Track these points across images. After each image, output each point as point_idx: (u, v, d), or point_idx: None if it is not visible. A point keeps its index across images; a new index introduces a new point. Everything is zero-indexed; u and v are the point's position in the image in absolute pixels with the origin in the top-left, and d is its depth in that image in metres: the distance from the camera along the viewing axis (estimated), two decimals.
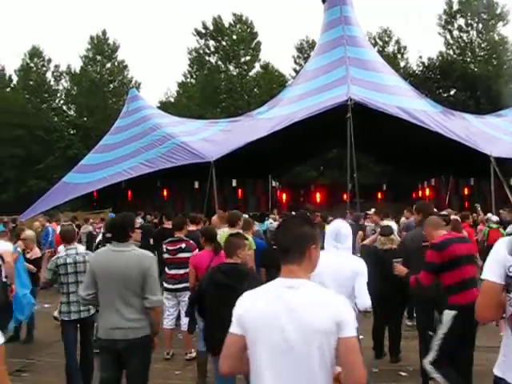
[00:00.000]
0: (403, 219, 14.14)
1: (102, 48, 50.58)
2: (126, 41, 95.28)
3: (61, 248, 7.64)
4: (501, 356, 3.09)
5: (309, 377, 2.52)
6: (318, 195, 32.14)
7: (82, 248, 6.99)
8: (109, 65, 51.18)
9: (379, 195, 31.58)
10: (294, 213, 14.23)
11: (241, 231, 8.61)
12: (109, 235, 6.00)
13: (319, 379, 2.53)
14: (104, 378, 4.90)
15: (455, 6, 46.15)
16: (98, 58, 50.72)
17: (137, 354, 4.80)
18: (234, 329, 2.69)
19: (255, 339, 2.61)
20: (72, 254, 6.56)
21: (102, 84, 49.50)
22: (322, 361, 2.52)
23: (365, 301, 4.92)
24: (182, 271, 8.00)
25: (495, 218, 13.67)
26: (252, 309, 2.64)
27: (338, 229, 5.10)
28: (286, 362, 2.54)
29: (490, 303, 3.03)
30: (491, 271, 3.00)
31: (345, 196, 21.64)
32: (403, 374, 6.97)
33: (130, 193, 26.53)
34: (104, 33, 50.80)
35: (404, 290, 7.05)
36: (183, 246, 8.13)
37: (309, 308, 2.54)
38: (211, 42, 49.49)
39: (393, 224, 12.53)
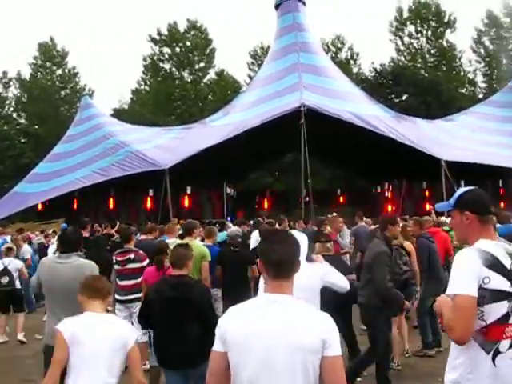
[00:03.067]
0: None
1: (51, 55, 49.46)
2: (76, 47, 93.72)
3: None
4: (462, 372, 2.81)
5: None
6: (273, 201, 32.28)
7: None
8: (59, 72, 50.15)
9: (335, 200, 31.94)
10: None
11: (197, 241, 8.63)
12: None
13: None
14: None
15: (405, 14, 47.09)
16: (48, 64, 49.69)
17: None
18: (216, 346, 2.63)
19: (238, 357, 2.54)
20: None
21: (54, 91, 48.47)
22: (306, 379, 2.47)
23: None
24: (132, 282, 7.94)
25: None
26: (235, 326, 2.57)
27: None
28: (270, 380, 2.48)
29: (470, 320, 2.72)
30: (468, 285, 2.73)
31: (299, 202, 21.71)
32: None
33: (82, 202, 26.07)
34: (52, 39, 49.66)
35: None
36: (132, 256, 8.05)
37: (295, 325, 2.49)
38: (165, 49, 49.17)
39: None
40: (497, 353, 2.74)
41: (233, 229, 11.50)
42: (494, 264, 2.76)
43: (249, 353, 2.50)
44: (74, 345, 3.78)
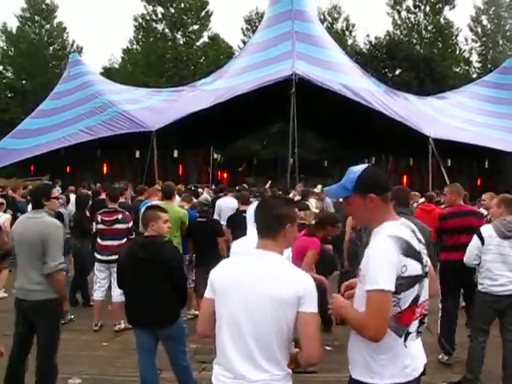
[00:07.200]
0: None
1: (39, 8, 48.22)
2: (65, 1, 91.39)
3: None
4: (371, 355, 2.73)
5: (263, 342, 2.69)
6: (260, 169, 32.26)
7: None
8: (48, 26, 49.02)
9: (322, 171, 31.95)
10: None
11: (175, 204, 8.57)
12: None
13: (274, 345, 2.69)
14: (15, 333, 5.21)
15: None
16: (36, 18, 48.36)
17: (40, 316, 5.01)
18: (207, 293, 2.89)
19: (220, 302, 2.80)
20: None
21: (42, 46, 47.25)
22: (278, 329, 2.67)
23: None
24: (116, 242, 7.94)
25: None
26: (222, 274, 2.84)
27: None
28: (244, 326, 2.71)
29: (388, 316, 2.63)
30: (390, 279, 2.60)
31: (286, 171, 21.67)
32: (328, 348, 7.01)
33: (68, 161, 25.84)
34: None
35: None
36: (120, 216, 8.01)
37: (271, 278, 2.70)
38: (159, 8, 48.27)
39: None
40: (408, 334, 2.73)
41: (202, 196, 10.97)
42: (408, 250, 2.67)
43: (230, 299, 2.75)
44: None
